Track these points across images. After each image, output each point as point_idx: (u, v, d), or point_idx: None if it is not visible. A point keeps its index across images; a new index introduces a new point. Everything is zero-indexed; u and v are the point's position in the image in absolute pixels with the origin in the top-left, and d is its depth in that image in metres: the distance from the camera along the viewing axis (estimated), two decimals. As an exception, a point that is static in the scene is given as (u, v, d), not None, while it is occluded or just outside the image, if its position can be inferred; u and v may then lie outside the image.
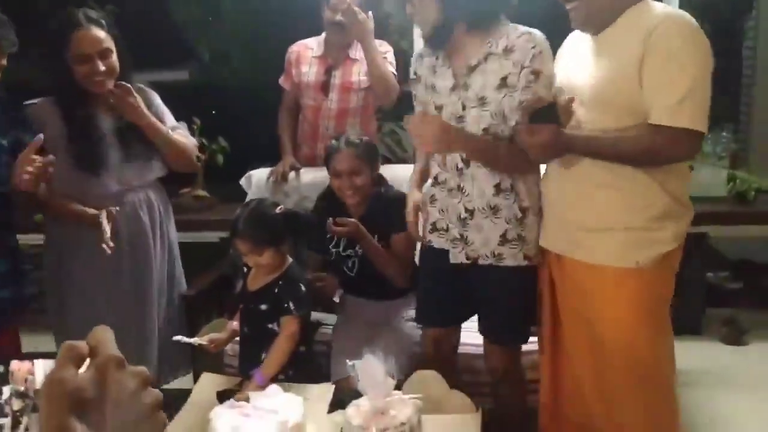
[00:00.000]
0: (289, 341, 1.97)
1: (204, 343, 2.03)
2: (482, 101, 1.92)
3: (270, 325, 2.02)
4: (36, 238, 2.51)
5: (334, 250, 2.43)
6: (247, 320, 2.08)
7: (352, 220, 2.30)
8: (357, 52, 2.88)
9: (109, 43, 2.16)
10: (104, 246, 2.05)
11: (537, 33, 1.90)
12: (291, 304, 1.98)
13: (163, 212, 2.43)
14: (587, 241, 1.86)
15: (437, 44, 1.97)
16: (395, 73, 2.80)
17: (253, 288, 2.07)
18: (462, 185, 2.01)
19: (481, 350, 2.24)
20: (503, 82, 1.90)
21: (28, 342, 2.33)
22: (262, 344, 2.02)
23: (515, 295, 2.08)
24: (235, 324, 2.13)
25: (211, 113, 4.29)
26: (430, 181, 2.15)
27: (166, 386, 2.46)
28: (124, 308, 2.31)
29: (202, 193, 3.41)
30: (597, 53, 1.81)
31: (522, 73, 1.87)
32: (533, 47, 1.87)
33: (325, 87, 2.90)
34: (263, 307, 2.03)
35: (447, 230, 2.08)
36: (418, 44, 2.56)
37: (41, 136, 1.96)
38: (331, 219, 2.28)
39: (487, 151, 1.93)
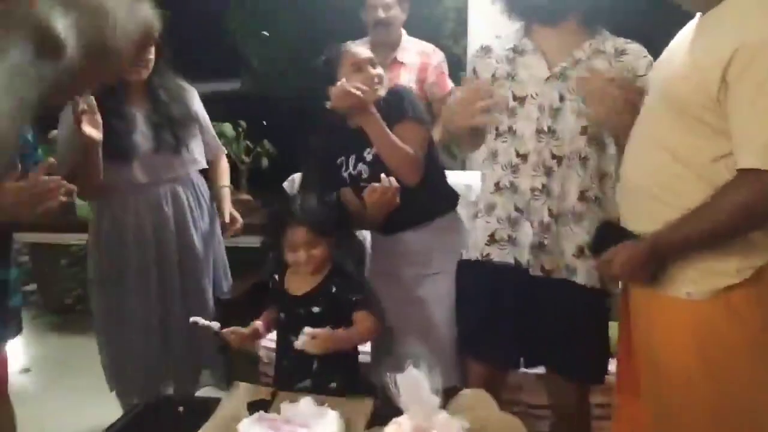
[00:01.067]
0: (365, 336, 1.88)
1: (219, 329, 1.89)
2: (596, 72, 1.74)
3: (326, 327, 1.82)
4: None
5: (345, 174, 2.11)
6: (293, 328, 1.87)
7: (363, 87, 1.95)
8: (404, 55, 2.79)
9: None
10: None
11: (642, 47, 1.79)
12: (356, 299, 1.87)
13: (195, 208, 2.40)
14: None
15: (549, 18, 1.79)
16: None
17: (300, 292, 1.93)
18: (549, 186, 1.82)
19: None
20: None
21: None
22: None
23: (590, 322, 1.86)
24: (258, 323, 1.98)
25: (261, 122, 4.24)
26: (483, 189, 1.97)
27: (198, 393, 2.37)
28: (149, 300, 2.33)
29: (245, 196, 3.34)
30: (692, 38, 1.54)
31: (635, 83, 1.72)
32: (645, 57, 1.75)
33: None
34: (316, 309, 1.89)
35: (509, 240, 1.88)
36: (473, 49, 2.37)
37: (51, 159, 1.88)
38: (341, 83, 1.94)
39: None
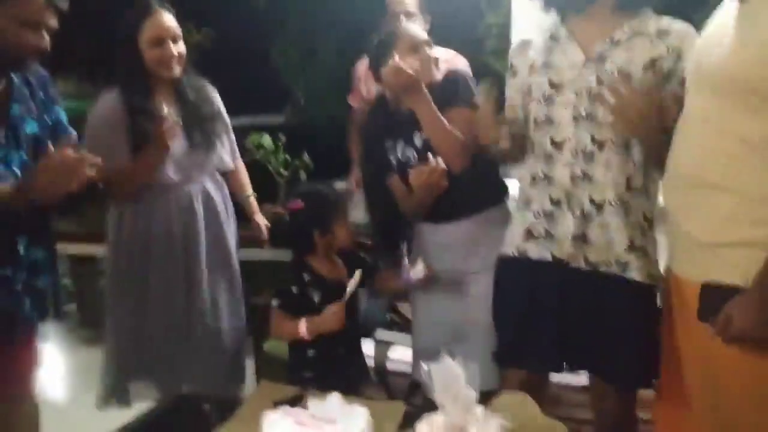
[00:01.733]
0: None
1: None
2: (625, 77, 1.67)
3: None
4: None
5: (393, 158, 2.08)
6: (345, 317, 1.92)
7: (416, 66, 1.94)
8: None
9: (179, 30, 2.20)
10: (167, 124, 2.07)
11: (690, 26, 1.69)
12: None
13: (223, 211, 2.36)
14: (702, 258, 1.50)
15: (579, 5, 1.75)
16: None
17: (340, 275, 1.99)
18: (590, 173, 1.72)
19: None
20: (652, 63, 1.67)
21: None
22: (358, 331, 2.03)
23: (641, 321, 1.73)
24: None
25: (301, 136, 4.22)
26: (520, 182, 1.89)
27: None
28: (174, 300, 2.26)
29: (281, 209, 3.30)
30: (742, 23, 1.45)
31: (679, 64, 1.65)
32: (695, 37, 1.62)
33: None
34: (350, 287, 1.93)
35: (546, 235, 1.79)
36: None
37: (74, 133, 1.90)
38: (395, 60, 1.91)
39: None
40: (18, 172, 1.71)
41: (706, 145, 1.48)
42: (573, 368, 1.87)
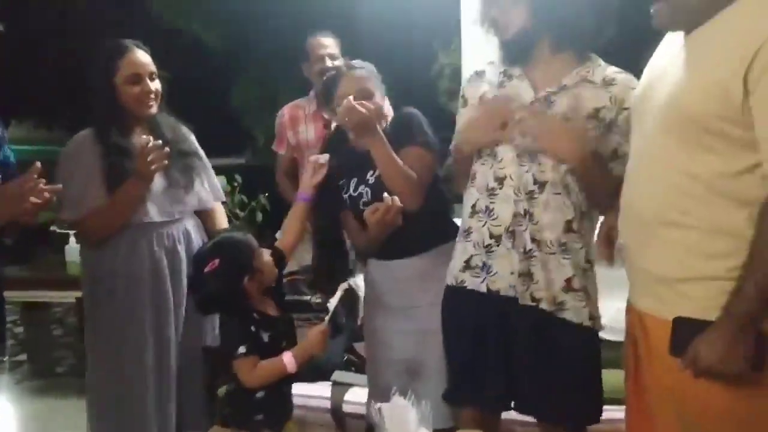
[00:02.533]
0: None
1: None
2: (566, 121, 1.72)
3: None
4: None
5: (345, 196, 2.07)
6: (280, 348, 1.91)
7: (370, 106, 1.92)
8: None
9: (154, 66, 2.20)
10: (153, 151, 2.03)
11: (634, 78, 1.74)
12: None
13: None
14: (663, 293, 1.52)
15: (515, 54, 1.80)
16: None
17: (276, 313, 1.95)
18: (531, 212, 1.75)
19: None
20: (596, 113, 1.72)
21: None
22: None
23: (578, 361, 1.75)
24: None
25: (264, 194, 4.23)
26: (462, 212, 1.90)
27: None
28: (162, 345, 2.19)
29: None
30: (689, 58, 1.49)
31: (622, 116, 1.70)
32: (633, 87, 1.67)
33: None
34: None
35: (483, 267, 1.80)
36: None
37: (38, 164, 1.86)
38: (348, 100, 1.91)
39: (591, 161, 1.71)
40: None
41: (660, 184, 1.50)
42: (519, 410, 1.86)
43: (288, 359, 1.83)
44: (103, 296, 2.18)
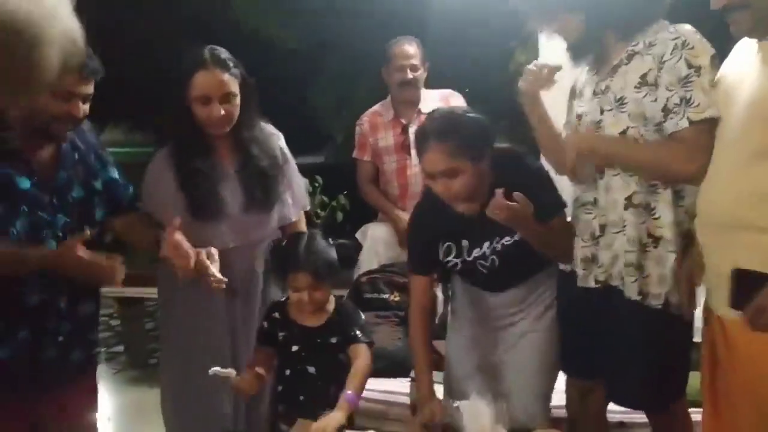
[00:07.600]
0: (369, 369, 1.92)
1: (232, 375, 1.87)
2: (620, 102, 1.74)
3: (341, 356, 1.96)
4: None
5: (456, 260, 2.00)
6: (310, 359, 1.98)
7: (520, 197, 1.75)
8: (427, 105, 2.87)
9: (233, 87, 2.02)
10: (216, 284, 1.91)
11: (685, 26, 1.69)
12: (359, 333, 1.96)
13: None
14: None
15: (580, 56, 1.85)
16: None
17: (316, 324, 1.98)
18: (596, 198, 1.81)
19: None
20: (643, 80, 1.70)
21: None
22: (331, 378, 1.94)
23: (641, 339, 1.75)
24: (258, 368, 1.94)
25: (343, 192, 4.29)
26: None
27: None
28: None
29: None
30: (764, 62, 1.50)
31: (663, 68, 1.66)
32: (675, 38, 1.65)
33: (405, 146, 3.02)
34: (333, 340, 1.96)
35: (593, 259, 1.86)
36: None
37: (130, 189, 1.95)
38: (498, 197, 1.75)
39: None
40: (62, 235, 1.79)
41: (737, 185, 1.50)
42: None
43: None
44: (177, 299, 2.14)
